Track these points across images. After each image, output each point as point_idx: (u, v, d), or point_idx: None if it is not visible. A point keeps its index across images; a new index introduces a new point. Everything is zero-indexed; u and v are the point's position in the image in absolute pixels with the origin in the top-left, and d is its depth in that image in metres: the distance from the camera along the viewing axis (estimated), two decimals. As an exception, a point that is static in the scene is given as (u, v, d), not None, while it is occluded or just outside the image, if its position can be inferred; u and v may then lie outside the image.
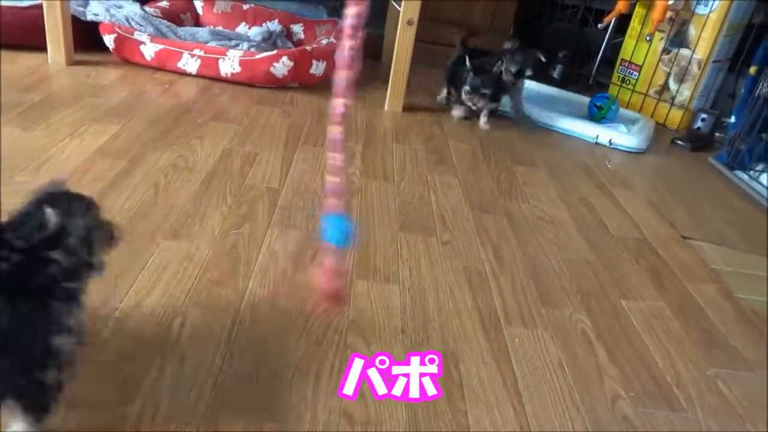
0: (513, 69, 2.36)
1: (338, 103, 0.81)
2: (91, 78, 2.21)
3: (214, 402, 0.95)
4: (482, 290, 1.35)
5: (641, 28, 2.87)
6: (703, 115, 2.66)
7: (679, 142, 2.61)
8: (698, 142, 2.61)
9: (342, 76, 0.81)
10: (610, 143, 2.41)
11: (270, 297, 1.18)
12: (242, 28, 2.81)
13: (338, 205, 0.81)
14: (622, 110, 2.67)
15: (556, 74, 3.13)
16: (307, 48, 2.42)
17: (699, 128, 2.67)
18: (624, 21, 2.97)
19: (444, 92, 2.57)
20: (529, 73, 2.43)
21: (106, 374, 0.97)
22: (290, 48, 2.65)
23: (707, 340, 1.33)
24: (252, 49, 2.49)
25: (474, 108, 2.37)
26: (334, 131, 0.84)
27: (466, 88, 2.32)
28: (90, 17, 2.41)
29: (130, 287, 1.17)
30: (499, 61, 2.33)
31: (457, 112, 2.45)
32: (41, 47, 2.25)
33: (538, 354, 1.19)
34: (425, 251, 1.47)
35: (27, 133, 1.71)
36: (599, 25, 3.01)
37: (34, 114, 1.83)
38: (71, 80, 2.17)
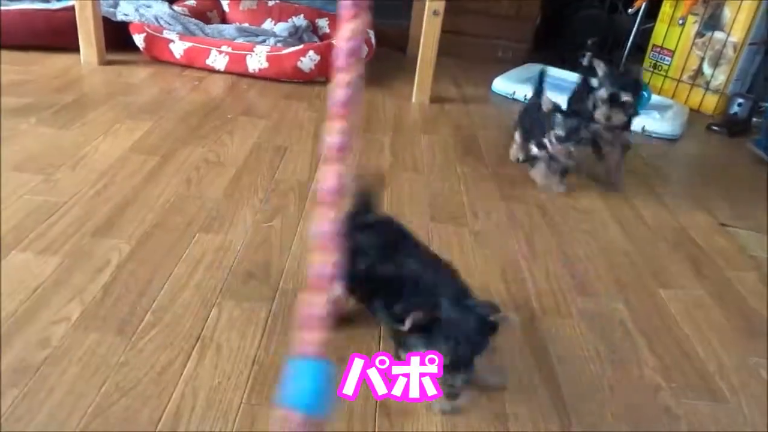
0: (623, 101, 1.63)
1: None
2: (122, 77, 2.24)
3: (252, 392, 0.96)
4: (515, 280, 1.34)
5: (673, 12, 2.80)
6: (740, 100, 2.58)
7: (715, 127, 2.54)
8: (735, 128, 2.53)
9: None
10: (644, 130, 2.35)
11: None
12: (268, 24, 2.82)
13: (317, 348, 0.55)
14: (654, 96, 2.60)
15: (585, 61, 3.07)
16: (333, 42, 2.41)
17: (735, 113, 2.59)
18: (654, 6, 2.90)
19: (516, 145, 1.90)
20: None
21: (144, 365, 0.98)
22: (316, 42, 2.65)
23: (748, 329, 1.29)
24: (279, 45, 2.50)
25: (564, 162, 1.69)
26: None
27: (557, 134, 1.62)
28: (120, 17, 2.45)
29: (167, 279, 1.18)
30: (599, 89, 1.59)
31: (540, 174, 1.74)
32: (73, 48, 2.30)
33: (576, 344, 1.17)
34: (457, 242, 1.45)
35: (62, 132, 1.74)
36: (629, 11, 2.95)
37: (69, 113, 1.87)
38: (103, 79, 2.21)
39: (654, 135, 2.34)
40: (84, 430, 0.86)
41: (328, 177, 0.63)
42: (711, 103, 2.73)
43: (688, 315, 1.31)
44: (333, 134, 0.62)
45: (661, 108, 2.56)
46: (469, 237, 1.48)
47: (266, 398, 0.95)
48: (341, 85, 0.62)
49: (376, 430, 0.93)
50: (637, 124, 2.35)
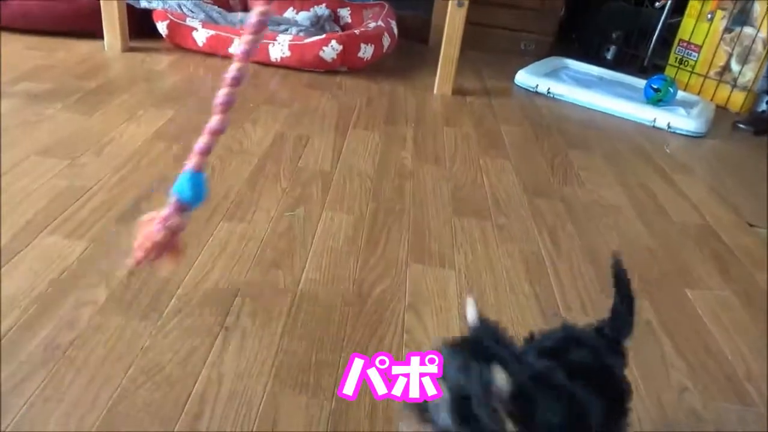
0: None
1: (233, 68, 0.82)
2: (145, 64, 2.25)
3: (275, 379, 0.96)
4: (540, 276, 1.32)
5: (701, 7, 2.74)
6: (768, 98, 2.53)
7: (742, 125, 2.49)
8: (762, 126, 2.48)
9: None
10: (669, 127, 2.32)
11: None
12: (290, 13, 2.81)
13: (198, 164, 0.82)
14: (680, 93, 2.57)
15: (609, 55, 3.03)
16: (355, 32, 2.40)
17: (763, 111, 2.54)
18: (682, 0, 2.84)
19: None
20: None
21: (169, 350, 0.99)
22: (338, 32, 2.64)
23: (778, 332, 1.27)
24: (301, 34, 2.49)
25: None
26: (223, 93, 0.83)
27: None
28: (143, 4, 2.46)
29: (191, 266, 1.19)
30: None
31: None
32: (97, 34, 2.31)
33: (600, 342, 1.15)
34: (480, 236, 1.44)
35: (87, 118, 1.75)
36: (656, 4, 2.90)
37: (93, 99, 1.88)
38: (126, 66, 2.22)
39: (679, 132, 2.31)
40: (111, 411, 0.86)
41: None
42: (738, 100, 2.68)
43: (715, 316, 1.28)
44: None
45: (687, 104, 2.51)
46: (493, 231, 1.47)
47: (290, 386, 0.95)
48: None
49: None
50: (662, 120, 2.32)
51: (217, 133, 0.83)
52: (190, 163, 0.82)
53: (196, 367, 0.96)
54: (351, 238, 1.36)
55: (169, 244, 0.80)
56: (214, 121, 0.82)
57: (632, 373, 1.09)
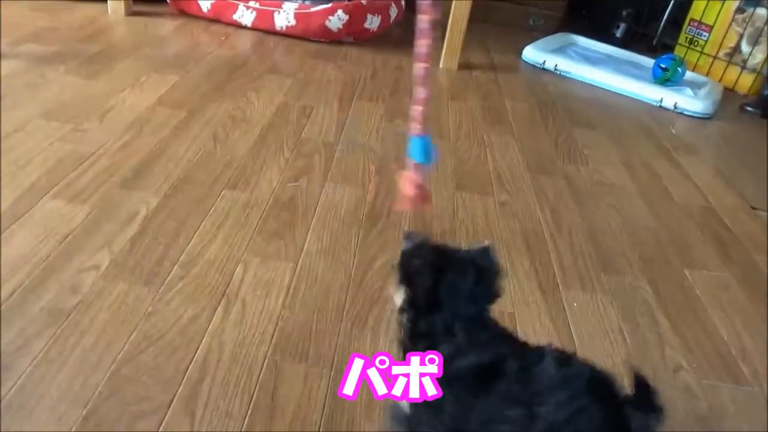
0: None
1: (424, 19, 0.91)
2: (149, 29, 2.22)
3: (275, 348, 0.97)
4: (540, 252, 1.33)
5: (715, -15, 2.69)
6: (777, 81, 2.50)
7: (749, 108, 2.47)
8: (770, 109, 2.46)
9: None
10: (675, 107, 2.30)
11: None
12: (296, -19, 2.76)
13: (420, 129, 0.94)
14: (688, 73, 2.54)
15: (618, 33, 2.99)
16: (362, 2, 2.36)
17: (772, 94, 2.51)
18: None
19: None
20: None
21: (171, 316, 1.00)
22: (344, 2, 2.60)
23: (775, 315, 1.28)
24: (307, 2, 2.45)
25: None
26: (421, 56, 0.93)
27: None
28: (147, -33, 2.41)
29: (193, 234, 1.19)
30: None
31: None
32: (100, -3, 2.27)
33: (597, 319, 1.17)
34: (482, 211, 1.44)
35: (90, 83, 1.74)
36: (669, -18, 2.84)
37: (96, 64, 1.86)
38: (130, 31, 2.20)
39: (686, 112, 2.29)
40: (115, 374, 0.88)
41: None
42: (747, 82, 2.65)
43: (713, 297, 1.29)
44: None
45: (695, 85, 2.49)
46: (495, 207, 1.47)
47: (290, 355, 0.97)
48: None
49: None
50: (669, 100, 2.30)
51: (424, 102, 0.95)
52: (415, 131, 0.94)
53: (197, 334, 0.98)
54: (353, 211, 1.36)
55: (420, 195, 0.95)
56: (420, 92, 0.95)
57: (627, 349, 1.10)
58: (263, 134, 1.61)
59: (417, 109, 0.95)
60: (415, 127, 0.95)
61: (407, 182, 0.96)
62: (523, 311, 1.15)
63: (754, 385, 1.08)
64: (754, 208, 1.69)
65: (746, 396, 1.06)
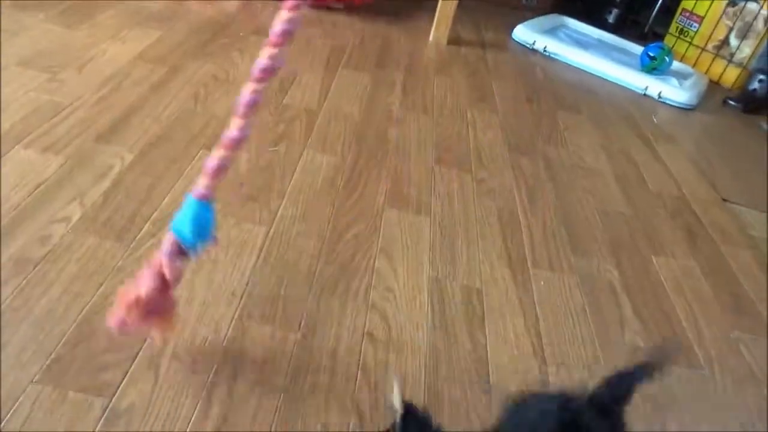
0: None
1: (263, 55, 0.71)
2: (134, -20, 2.16)
3: (244, 309, 0.98)
4: (512, 231, 1.35)
5: (709, -23, 2.69)
6: (761, 77, 2.53)
7: (732, 102, 2.50)
8: (751, 104, 2.49)
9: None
10: (659, 96, 2.31)
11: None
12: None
13: (208, 188, 0.67)
14: (675, 63, 2.55)
15: (611, 18, 2.98)
16: (354, -33, 2.32)
17: (755, 90, 2.55)
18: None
19: None
20: None
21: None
22: (337, -34, 2.55)
23: (735, 305, 1.32)
24: (298, -36, 2.40)
25: None
26: (250, 88, 0.72)
27: None
28: None
29: (168, 192, 1.19)
30: None
31: None
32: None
33: (563, 299, 1.19)
34: (459, 187, 1.45)
35: (70, 32, 1.70)
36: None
37: (77, 13, 1.81)
38: (114, -19, 2.13)
39: (669, 102, 2.31)
40: (81, 325, 0.88)
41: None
42: (732, 76, 2.68)
43: (677, 284, 1.33)
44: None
45: (681, 75, 2.51)
46: (472, 184, 1.48)
47: (258, 317, 0.98)
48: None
49: (361, 358, 0.96)
50: (654, 89, 2.32)
51: (235, 144, 0.70)
52: (198, 189, 0.67)
53: (166, 291, 0.98)
54: (330, 179, 1.36)
55: (159, 301, 0.67)
56: (235, 127, 0.69)
57: (589, 329, 1.14)
58: (245, 96, 1.59)
59: (216, 156, 0.67)
60: (202, 184, 0.68)
61: (145, 272, 0.67)
62: (490, 288, 1.17)
63: (706, 369, 1.12)
64: (725, 201, 1.73)
65: (698, 379, 1.10)
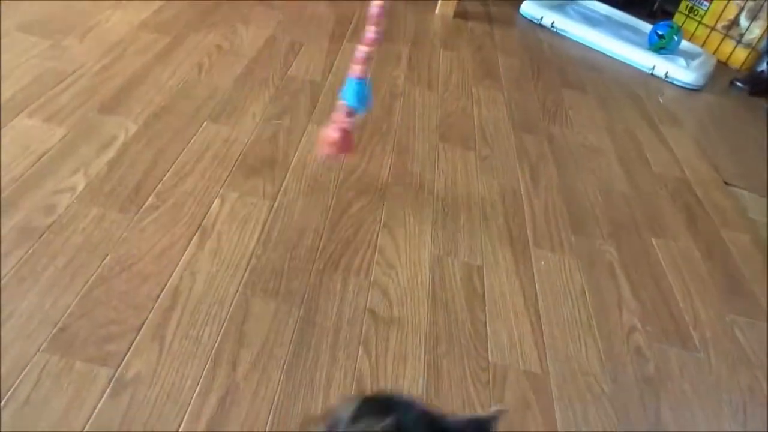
0: None
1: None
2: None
3: (247, 282, 0.99)
4: (515, 210, 1.35)
5: (722, -47, 2.64)
6: (770, 58, 2.51)
7: (739, 83, 2.48)
8: (758, 86, 2.47)
9: None
10: (666, 76, 2.29)
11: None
12: None
13: (362, 71, 0.93)
14: (684, 42, 2.52)
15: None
16: (361, -64, 2.28)
17: (762, 71, 2.52)
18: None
19: None
20: None
21: (145, 244, 1.01)
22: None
23: (731, 288, 1.33)
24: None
25: None
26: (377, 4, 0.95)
27: None
28: None
29: (172, 164, 1.19)
30: None
31: None
32: None
33: (562, 279, 1.21)
34: (462, 164, 1.45)
35: (72, -3, 1.67)
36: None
37: (79, -23, 1.78)
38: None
39: (676, 82, 2.29)
40: (86, 297, 0.89)
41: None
42: (740, 57, 2.65)
43: (676, 266, 1.34)
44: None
45: (689, 55, 2.48)
46: (476, 161, 1.48)
47: (261, 290, 0.99)
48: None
49: (362, 333, 0.97)
50: (661, 68, 2.29)
51: (371, 43, 0.94)
52: (353, 72, 0.93)
53: (171, 263, 0.99)
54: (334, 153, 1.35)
55: (343, 140, 0.95)
56: (371, 32, 0.95)
57: (587, 309, 1.15)
58: (249, 68, 1.58)
59: (361, 50, 0.94)
60: (354, 69, 0.94)
61: (332, 125, 0.95)
62: (491, 266, 1.18)
63: (701, 351, 1.14)
64: (727, 184, 1.73)
65: (693, 361, 1.11)
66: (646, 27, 2.53)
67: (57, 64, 1.37)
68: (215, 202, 1.13)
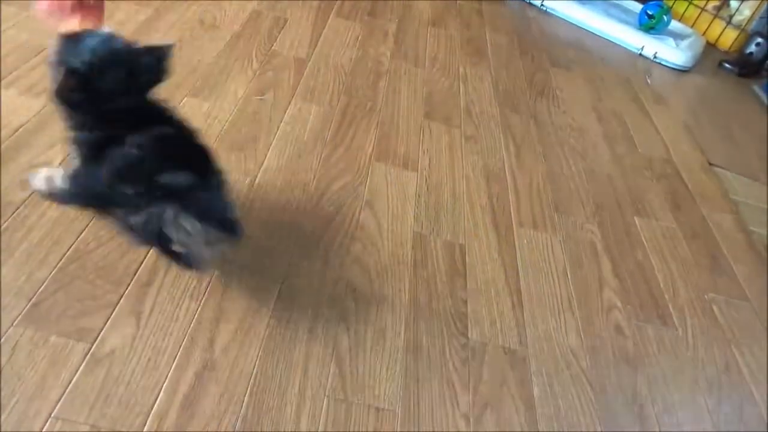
0: None
1: None
2: None
3: (226, 259, 0.98)
4: (499, 188, 1.35)
5: (715, -68, 2.62)
6: (759, 39, 2.50)
7: (727, 65, 2.48)
8: (747, 68, 2.47)
9: None
10: (655, 56, 2.29)
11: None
12: None
13: None
14: (674, 23, 2.51)
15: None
16: None
17: (751, 53, 2.52)
18: None
19: None
20: None
21: (125, 220, 0.99)
22: None
23: (712, 267, 1.35)
24: None
25: None
26: None
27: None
28: None
29: (151, 139, 1.17)
30: None
31: None
32: None
33: (544, 257, 1.21)
34: (447, 142, 1.45)
35: (50, -33, 1.63)
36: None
37: (58, -53, 1.73)
38: None
39: (664, 63, 2.28)
40: (62, 270, 0.88)
41: None
42: (729, 38, 2.65)
43: (657, 245, 1.35)
44: None
45: (678, 36, 2.47)
46: (461, 139, 1.47)
47: (239, 268, 0.98)
48: None
49: (343, 310, 0.97)
50: (650, 49, 2.28)
51: None
52: None
53: (149, 238, 0.98)
54: (318, 131, 1.34)
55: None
56: None
57: (568, 287, 1.16)
58: (232, 42, 1.55)
59: None
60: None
61: None
62: (473, 244, 1.18)
63: (679, 329, 1.15)
64: (712, 165, 1.74)
65: (671, 338, 1.13)
66: (636, 6, 2.52)
67: (34, 36, 1.34)
68: (195, 177, 1.12)
